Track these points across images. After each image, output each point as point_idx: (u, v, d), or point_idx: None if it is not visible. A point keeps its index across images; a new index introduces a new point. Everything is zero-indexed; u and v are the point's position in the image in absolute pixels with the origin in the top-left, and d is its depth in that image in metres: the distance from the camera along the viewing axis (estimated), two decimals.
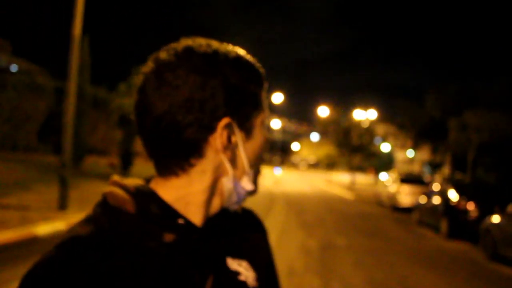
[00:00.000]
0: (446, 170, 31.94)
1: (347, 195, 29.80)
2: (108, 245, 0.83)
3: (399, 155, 58.74)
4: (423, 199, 15.85)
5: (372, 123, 47.66)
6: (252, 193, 0.97)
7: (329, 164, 77.77)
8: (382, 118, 47.55)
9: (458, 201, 12.84)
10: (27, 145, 22.99)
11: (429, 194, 15.46)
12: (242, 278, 0.97)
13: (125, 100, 20.01)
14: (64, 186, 10.98)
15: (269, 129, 0.97)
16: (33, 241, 8.21)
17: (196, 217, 0.92)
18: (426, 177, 29.17)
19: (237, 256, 0.99)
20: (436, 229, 13.91)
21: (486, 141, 20.09)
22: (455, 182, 14.79)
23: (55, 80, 24.46)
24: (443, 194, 13.98)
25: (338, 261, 8.97)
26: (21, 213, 9.97)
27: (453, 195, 13.19)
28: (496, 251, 9.84)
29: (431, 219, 14.51)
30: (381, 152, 53.39)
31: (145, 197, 0.90)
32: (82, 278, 0.78)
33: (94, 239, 0.83)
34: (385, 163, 58.64)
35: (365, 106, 47.02)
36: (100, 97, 26.75)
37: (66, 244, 0.81)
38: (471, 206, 12.40)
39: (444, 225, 13.06)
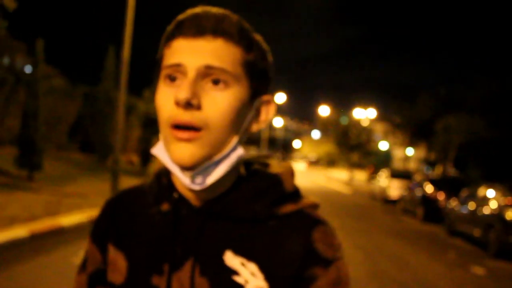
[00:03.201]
0: (440, 167, 34.56)
1: (345, 190, 32.64)
2: (134, 197, 1.06)
3: (398, 153, 60.86)
4: (406, 192, 18.82)
5: (372, 121, 50.25)
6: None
7: (329, 162, 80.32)
8: (381, 117, 49.89)
9: (432, 193, 15.82)
10: (58, 143, 25.81)
11: (412, 187, 18.40)
12: (238, 279, 0.90)
13: (150, 105, 22.92)
14: (115, 178, 13.84)
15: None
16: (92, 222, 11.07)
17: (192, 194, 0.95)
18: (423, 173, 32.02)
19: (244, 254, 0.91)
20: (414, 215, 16.89)
21: (464, 142, 23.02)
22: (431, 177, 17.81)
23: (85, 86, 27.31)
24: (421, 187, 16.95)
25: None
26: (85, 200, 12.79)
27: (428, 188, 16.18)
28: (453, 228, 12.80)
29: (411, 207, 17.50)
30: (379, 150, 55.85)
31: (163, 170, 1.01)
32: (110, 210, 1.06)
33: (130, 191, 1.08)
34: (383, 160, 60.99)
35: (365, 104, 49.25)
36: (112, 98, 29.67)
37: (120, 191, 1.10)
38: (441, 196, 15.35)
39: (420, 211, 16.08)
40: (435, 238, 12.72)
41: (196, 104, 0.85)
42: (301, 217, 0.94)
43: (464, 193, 13.10)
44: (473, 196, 12.22)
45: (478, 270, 8.89)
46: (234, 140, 0.90)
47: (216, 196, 0.93)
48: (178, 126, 0.85)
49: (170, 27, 0.91)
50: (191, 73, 0.86)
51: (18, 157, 14.60)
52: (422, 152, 43.17)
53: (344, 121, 49.00)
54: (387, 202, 23.06)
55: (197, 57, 0.86)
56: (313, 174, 58.17)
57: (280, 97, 62.20)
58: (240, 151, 0.91)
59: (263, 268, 0.90)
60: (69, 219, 9.46)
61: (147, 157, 26.48)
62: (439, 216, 15.13)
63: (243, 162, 1.01)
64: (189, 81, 0.85)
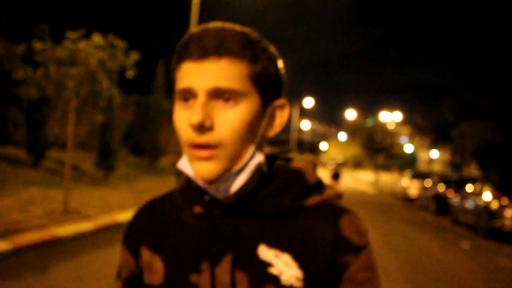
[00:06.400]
0: (465, 170, 36.01)
1: (370, 190, 35.32)
2: (163, 204, 1.12)
3: (422, 155, 62.39)
4: (423, 191, 21.70)
5: (398, 124, 52.21)
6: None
7: (356, 164, 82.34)
8: (406, 119, 51.76)
9: (443, 191, 18.68)
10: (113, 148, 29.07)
11: (429, 187, 21.24)
12: (273, 271, 0.95)
13: None
14: (179, 177, 16.98)
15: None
16: None
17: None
18: (437, 175, 34.30)
19: (277, 246, 0.97)
20: (428, 210, 19.75)
21: (477, 147, 25.64)
22: (444, 178, 20.68)
23: (137, 96, 30.59)
24: (435, 186, 19.80)
25: None
26: (159, 194, 15.87)
27: (439, 186, 19.05)
28: (456, 219, 15.63)
29: (427, 204, 20.34)
30: (404, 152, 57.76)
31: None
32: (142, 217, 1.13)
33: (158, 199, 1.14)
34: (409, 162, 62.75)
35: (391, 107, 50.79)
36: (164, 108, 32.90)
37: (148, 200, 1.16)
38: (450, 193, 18.17)
39: (432, 206, 18.96)
40: (441, 226, 15.52)
41: (209, 126, 0.90)
42: (327, 207, 1.00)
43: (465, 190, 15.95)
44: (470, 192, 15.08)
45: (465, 246, 11.80)
46: (251, 149, 0.95)
47: (244, 195, 0.99)
48: (196, 146, 0.91)
49: (177, 49, 0.96)
50: (201, 96, 0.90)
51: (98, 160, 17.84)
52: (446, 155, 44.55)
53: (370, 123, 51.03)
54: (408, 200, 25.77)
55: (205, 80, 0.90)
56: (340, 175, 60.23)
57: (308, 102, 64.68)
58: (258, 158, 0.96)
59: (297, 258, 0.96)
60: None
61: None
62: (448, 210, 17.95)
63: (266, 158, 1.05)
64: (200, 105, 0.89)
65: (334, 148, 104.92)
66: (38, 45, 8.78)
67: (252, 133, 0.94)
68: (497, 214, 12.69)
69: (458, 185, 18.47)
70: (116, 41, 9.30)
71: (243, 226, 0.99)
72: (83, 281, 5.88)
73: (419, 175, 26.82)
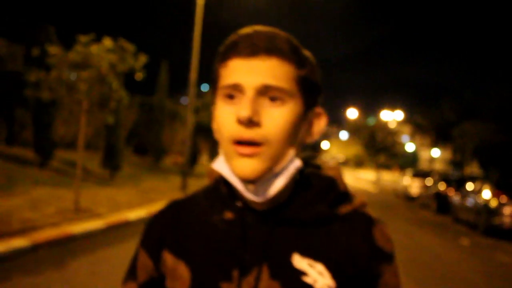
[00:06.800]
0: (467, 168, 36.28)
1: (372, 189, 35.58)
2: (187, 207, 1.09)
3: (424, 154, 62.51)
4: (424, 189, 22.01)
5: (399, 123, 52.32)
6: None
7: (357, 163, 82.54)
8: (408, 118, 51.82)
9: (444, 189, 18.95)
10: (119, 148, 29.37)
11: (430, 185, 21.53)
12: (308, 280, 0.95)
13: (203, 114, 26.59)
14: (184, 177, 17.25)
15: None
16: None
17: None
18: (438, 173, 34.53)
19: (310, 255, 0.97)
20: (429, 208, 20.03)
21: (477, 146, 25.93)
22: (445, 177, 20.97)
23: (140, 96, 30.87)
24: (436, 185, 20.09)
25: None
26: (166, 193, 16.14)
27: (440, 185, 19.33)
28: (457, 217, 15.91)
29: (428, 202, 20.62)
30: (405, 151, 57.92)
31: (221, 180, 1.05)
32: (164, 219, 1.09)
33: (181, 201, 1.11)
34: (409, 161, 62.93)
35: (392, 106, 50.94)
36: (167, 108, 33.20)
37: (170, 202, 1.13)
38: (451, 192, 18.44)
39: (433, 205, 19.25)
40: (442, 224, 15.81)
41: (257, 121, 0.90)
42: (358, 216, 1.02)
43: (465, 188, 16.24)
44: (470, 191, 15.37)
45: (464, 242, 12.09)
46: (292, 152, 0.95)
47: (278, 202, 0.99)
48: (240, 142, 0.91)
49: (223, 48, 0.96)
50: (250, 92, 0.90)
51: (103, 160, 18.13)
52: (447, 154, 44.61)
53: (371, 122, 51.20)
54: (409, 199, 26.04)
55: (254, 76, 0.90)
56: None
57: None
58: (297, 163, 0.96)
59: (330, 268, 0.96)
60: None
61: (194, 158, 29.83)
62: (449, 208, 18.23)
63: None
64: (249, 100, 0.90)
65: (336, 147, 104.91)
66: (52, 49, 9.06)
67: (294, 135, 0.95)
68: (496, 212, 12.99)
69: (458, 184, 18.74)
70: (126, 45, 9.58)
71: (276, 234, 0.98)
72: (99, 276, 6.16)
73: (420, 174, 27.06)
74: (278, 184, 0.95)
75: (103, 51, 9.12)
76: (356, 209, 1.03)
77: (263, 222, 0.99)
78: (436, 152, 48.20)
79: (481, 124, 25.99)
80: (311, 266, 0.96)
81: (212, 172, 1.09)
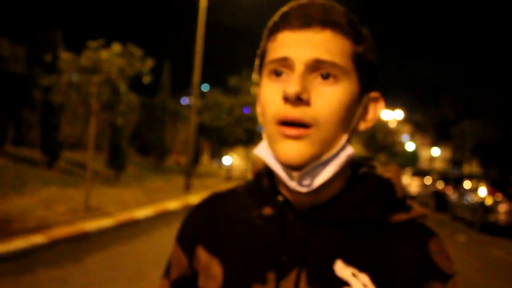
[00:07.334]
0: (467, 167, 36.34)
1: None
2: (226, 201, 1.02)
3: (424, 153, 62.83)
4: (423, 188, 22.44)
5: (399, 123, 52.56)
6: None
7: None
8: (408, 117, 52.16)
9: (442, 188, 19.39)
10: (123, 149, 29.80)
11: (429, 184, 21.97)
12: None
13: (204, 115, 27.01)
14: (188, 177, 17.62)
15: None
16: (187, 207, 14.80)
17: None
18: (437, 172, 34.97)
19: (355, 263, 0.86)
20: (428, 206, 20.49)
21: (477, 145, 26.34)
22: (443, 175, 21.42)
23: (142, 96, 31.27)
24: (434, 183, 20.54)
25: None
26: (170, 193, 16.52)
27: (438, 184, 19.77)
28: (454, 214, 16.34)
29: (427, 200, 21.07)
30: (405, 150, 58.22)
31: (264, 172, 0.97)
32: (202, 213, 1.02)
33: (221, 194, 1.04)
34: (410, 160, 63.16)
35: (392, 105, 51.27)
36: (171, 108, 33.62)
37: (210, 194, 1.06)
38: (449, 190, 18.87)
39: (432, 203, 19.72)
40: (440, 221, 16.21)
41: (306, 99, 0.80)
42: (415, 227, 0.89)
43: (463, 187, 16.66)
44: (467, 189, 15.79)
45: (461, 239, 12.50)
46: (344, 138, 0.85)
47: (324, 201, 0.88)
48: (286, 123, 0.81)
49: (273, 19, 0.87)
50: (299, 67, 0.81)
51: (108, 160, 18.51)
52: (447, 152, 45.22)
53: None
54: (408, 197, 26.40)
55: (305, 50, 0.81)
56: None
57: None
58: (349, 150, 0.85)
59: (375, 280, 0.84)
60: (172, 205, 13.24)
61: (196, 158, 30.22)
62: (447, 206, 18.65)
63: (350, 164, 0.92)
64: (298, 75, 0.80)
65: None
66: (64, 55, 9.46)
67: (347, 120, 0.85)
68: (491, 209, 13.42)
69: (457, 182, 19.15)
70: (134, 49, 9.97)
71: (319, 236, 0.88)
72: (114, 270, 6.55)
73: (420, 173, 27.40)
74: (326, 173, 0.84)
75: (113, 56, 9.50)
76: (414, 219, 0.91)
77: (305, 220, 0.89)
78: (436, 151, 48.56)
79: (480, 122, 26.38)
80: (355, 276, 0.85)
81: (255, 164, 1.01)
